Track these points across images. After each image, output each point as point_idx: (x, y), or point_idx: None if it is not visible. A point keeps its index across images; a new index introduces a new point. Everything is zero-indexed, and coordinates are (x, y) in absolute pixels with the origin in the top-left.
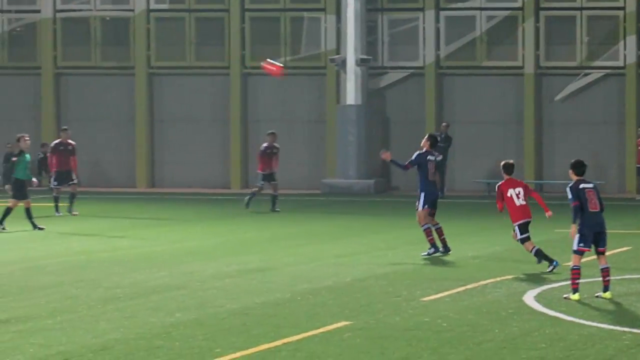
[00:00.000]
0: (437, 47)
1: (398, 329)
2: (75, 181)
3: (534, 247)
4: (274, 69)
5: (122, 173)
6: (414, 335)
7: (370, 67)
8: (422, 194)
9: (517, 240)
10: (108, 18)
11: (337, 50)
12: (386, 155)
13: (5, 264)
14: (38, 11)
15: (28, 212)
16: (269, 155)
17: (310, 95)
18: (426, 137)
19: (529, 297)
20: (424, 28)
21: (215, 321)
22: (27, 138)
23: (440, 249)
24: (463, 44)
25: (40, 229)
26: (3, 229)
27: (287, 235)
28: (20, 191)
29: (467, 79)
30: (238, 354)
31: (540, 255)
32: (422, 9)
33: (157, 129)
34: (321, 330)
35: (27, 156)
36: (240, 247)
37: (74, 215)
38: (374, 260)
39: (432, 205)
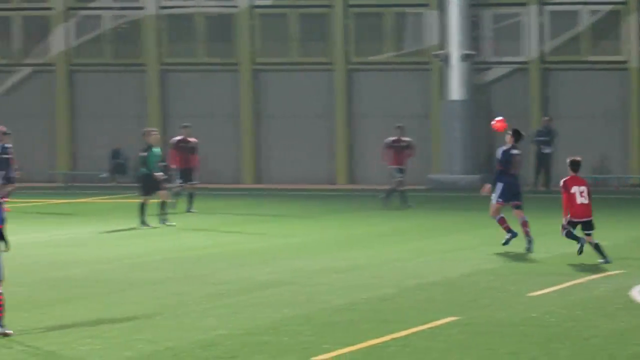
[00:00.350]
0: (541, 42)
1: (505, 325)
2: (195, 182)
3: (592, 242)
4: (499, 124)
5: (228, 169)
6: (521, 330)
7: (474, 63)
8: (501, 186)
9: (563, 235)
10: (212, 14)
11: (441, 46)
12: (486, 190)
13: (113, 260)
14: (142, 8)
15: (162, 204)
16: (399, 149)
17: (414, 91)
18: (511, 131)
19: (636, 292)
20: (528, 23)
21: (323, 317)
22: (155, 132)
23: (526, 239)
24: (567, 39)
25: (147, 226)
26: (148, 226)
27: (394, 231)
28: (151, 186)
29: (571, 73)
30: (345, 350)
31: (597, 250)
32: (525, 4)
33: (262, 125)
34: (428, 325)
35: (156, 150)
36: (347, 242)
37: (193, 212)
38: (481, 256)
39: (511, 198)
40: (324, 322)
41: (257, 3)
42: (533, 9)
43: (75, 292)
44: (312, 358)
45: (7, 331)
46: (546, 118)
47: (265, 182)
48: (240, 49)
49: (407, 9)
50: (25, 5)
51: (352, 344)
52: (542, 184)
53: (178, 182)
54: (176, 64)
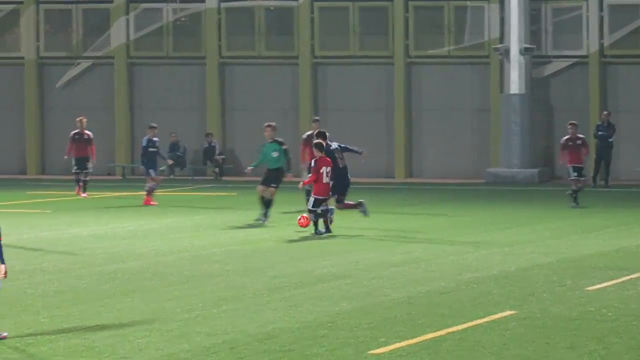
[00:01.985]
0: (601, 36)
1: (563, 319)
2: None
3: None
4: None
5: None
6: (579, 324)
7: (533, 56)
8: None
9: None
10: (272, 8)
11: (501, 39)
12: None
13: (172, 253)
14: (203, 1)
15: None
16: (574, 147)
17: (474, 84)
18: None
19: None
20: (587, 16)
21: (380, 310)
22: (272, 125)
23: None
24: (627, 33)
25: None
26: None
27: (452, 224)
28: (274, 178)
29: (631, 67)
30: (403, 343)
31: None
32: None
33: (321, 118)
34: (486, 319)
35: (271, 145)
36: (405, 235)
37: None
38: (539, 250)
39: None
40: (381, 315)
41: None
42: (593, 2)
43: (134, 285)
44: (369, 352)
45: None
46: (606, 112)
47: None
48: (300, 43)
49: (469, 2)
50: None
51: (409, 338)
52: (601, 178)
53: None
54: (236, 57)
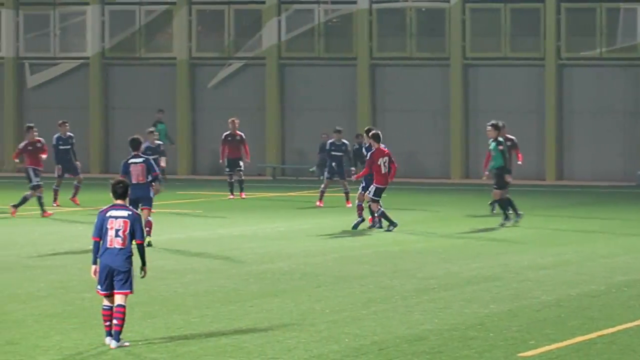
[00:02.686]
0: None
1: None
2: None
3: None
4: None
5: (437, 164)
6: None
7: None
8: None
9: None
10: (424, 9)
11: None
12: None
13: (321, 254)
14: (354, 2)
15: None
16: None
17: (625, 86)
18: None
19: None
20: None
21: (530, 313)
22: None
23: None
24: None
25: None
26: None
27: (602, 227)
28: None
29: None
30: (552, 346)
31: None
32: None
33: (472, 120)
34: (636, 322)
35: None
36: (555, 238)
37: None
38: None
39: None
40: (530, 318)
41: None
42: None
43: (283, 286)
44: (519, 354)
45: (125, 344)
46: None
47: (473, 176)
48: (451, 44)
49: (621, 4)
50: None
51: (559, 341)
52: None
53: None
54: (386, 58)
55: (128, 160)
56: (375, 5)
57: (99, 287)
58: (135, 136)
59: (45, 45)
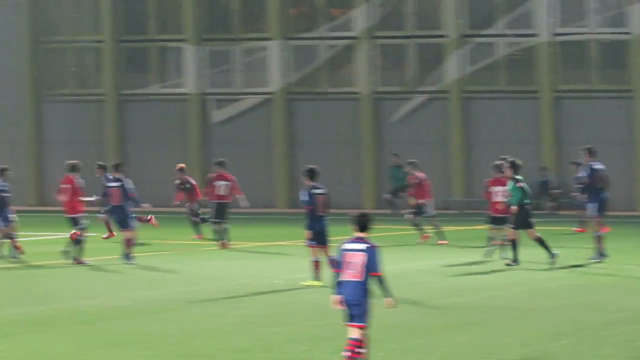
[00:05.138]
0: None
1: None
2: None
3: None
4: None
5: (623, 196)
6: None
7: None
8: None
9: None
10: (605, 41)
11: None
12: None
13: (508, 286)
14: (536, 35)
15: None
16: None
17: None
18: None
19: None
20: None
21: None
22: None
23: None
24: None
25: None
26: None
27: None
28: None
29: None
30: None
31: None
32: None
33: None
34: None
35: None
36: None
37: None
38: None
39: None
40: None
41: None
42: None
43: (469, 319)
44: None
45: None
46: None
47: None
48: (634, 76)
49: None
50: (420, 33)
51: None
52: None
53: None
54: (569, 90)
55: (310, 190)
56: (556, 38)
57: None
58: (313, 166)
59: (228, 81)
